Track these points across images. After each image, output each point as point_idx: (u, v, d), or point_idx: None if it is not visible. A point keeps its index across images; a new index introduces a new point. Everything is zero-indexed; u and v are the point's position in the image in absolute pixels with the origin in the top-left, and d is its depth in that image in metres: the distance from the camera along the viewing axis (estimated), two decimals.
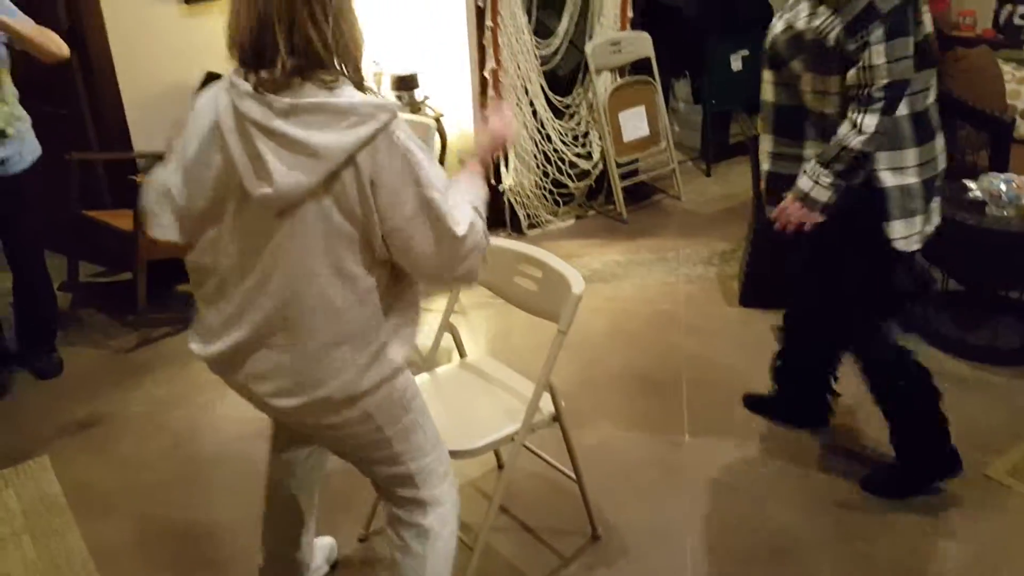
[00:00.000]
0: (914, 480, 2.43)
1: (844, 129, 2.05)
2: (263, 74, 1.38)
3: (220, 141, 1.44)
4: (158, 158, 3.83)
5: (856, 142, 2.03)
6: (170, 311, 3.59)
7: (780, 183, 2.25)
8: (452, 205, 1.49)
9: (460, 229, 1.48)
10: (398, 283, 1.58)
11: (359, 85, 1.45)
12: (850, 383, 2.59)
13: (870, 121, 2.01)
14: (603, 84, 4.31)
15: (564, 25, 4.16)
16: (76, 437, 2.86)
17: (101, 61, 3.65)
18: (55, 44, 2.87)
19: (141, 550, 2.39)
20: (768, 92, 2.27)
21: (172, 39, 3.78)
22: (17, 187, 2.93)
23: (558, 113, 4.26)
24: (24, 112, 2.96)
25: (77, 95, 3.75)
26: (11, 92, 2.90)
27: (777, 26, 2.19)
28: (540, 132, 4.19)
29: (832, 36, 2.02)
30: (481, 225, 1.56)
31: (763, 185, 2.38)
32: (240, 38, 1.41)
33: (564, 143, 4.28)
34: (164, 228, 1.59)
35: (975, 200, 2.99)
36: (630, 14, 4.36)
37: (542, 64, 4.13)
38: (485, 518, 2.14)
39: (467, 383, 2.25)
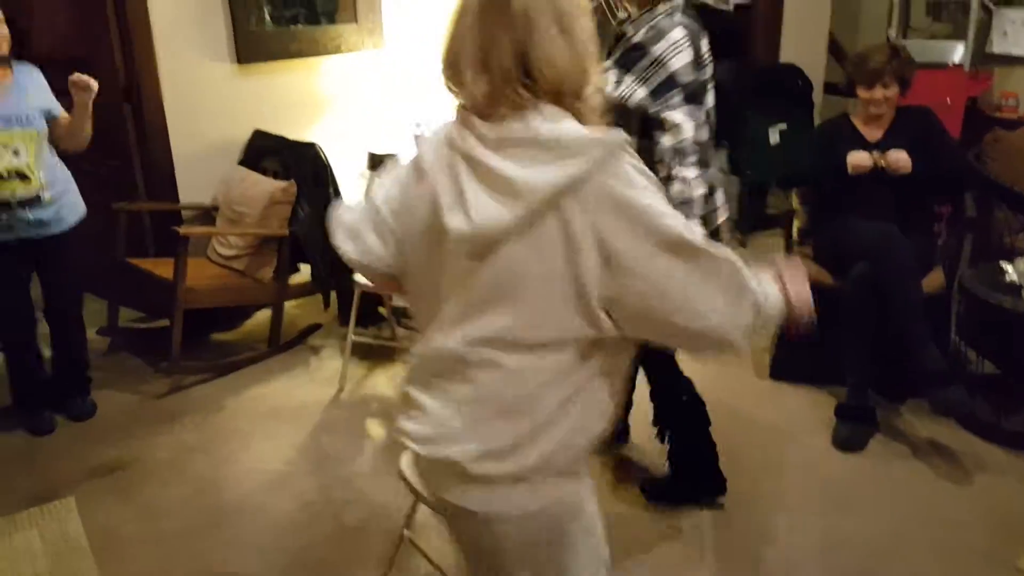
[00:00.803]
0: (685, 492, 2.67)
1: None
2: (491, 108, 1.26)
3: (428, 174, 1.33)
4: (203, 210, 3.99)
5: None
6: (203, 359, 3.65)
7: None
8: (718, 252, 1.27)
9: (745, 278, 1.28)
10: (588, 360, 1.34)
11: (584, 117, 1.28)
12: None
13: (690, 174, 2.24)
14: None
15: None
16: (103, 480, 2.89)
17: (154, 116, 3.80)
18: (88, 132, 3.02)
19: None
20: None
21: (223, 97, 3.92)
22: (59, 247, 3.03)
23: None
24: (65, 174, 3.04)
25: (129, 148, 3.90)
26: (47, 159, 2.97)
27: None
28: None
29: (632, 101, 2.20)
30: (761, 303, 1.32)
31: None
32: (457, 63, 1.29)
33: None
34: (368, 251, 1.45)
35: (1012, 283, 2.95)
36: None
37: None
38: None
39: None
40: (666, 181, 2.23)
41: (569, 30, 1.25)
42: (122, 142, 3.89)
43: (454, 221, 1.26)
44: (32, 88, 2.94)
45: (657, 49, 2.19)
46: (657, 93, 2.20)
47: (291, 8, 4.00)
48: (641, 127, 2.24)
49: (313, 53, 4.07)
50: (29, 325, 3.15)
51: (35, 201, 2.91)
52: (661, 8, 2.24)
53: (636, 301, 1.25)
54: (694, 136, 2.23)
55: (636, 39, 2.23)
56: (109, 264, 3.68)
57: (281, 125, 4.00)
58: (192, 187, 3.93)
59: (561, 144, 1.21)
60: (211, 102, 3.91)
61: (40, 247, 2.99)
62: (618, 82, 2.23)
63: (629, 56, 2.23)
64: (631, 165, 1.24)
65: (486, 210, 1.23)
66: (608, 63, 2.25)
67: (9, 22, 2.87)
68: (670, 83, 2.19)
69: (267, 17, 3.91)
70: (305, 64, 4.07)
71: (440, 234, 1.30)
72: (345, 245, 1.47)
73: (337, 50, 4.12)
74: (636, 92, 2.20)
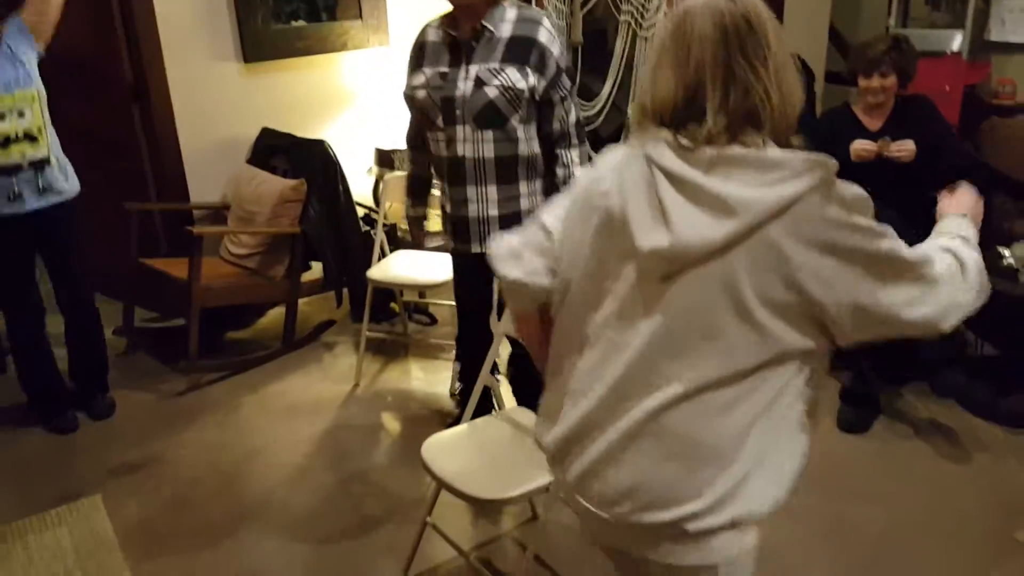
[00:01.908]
0: None
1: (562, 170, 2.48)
2: (689, 130, 1.23)
3: (611, 195, 1.29)
4: (214, 209, 4.04)
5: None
6: (218, 358, 3.72)
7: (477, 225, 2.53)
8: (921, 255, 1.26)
9: (932, 267, 1.26)
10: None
11: (786, 147, 1.25)
12: None
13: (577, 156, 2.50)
14: None
15: (607, 88, 4.29)
16: (127, 478, 2.96)
17: (163, 116, 3.85)
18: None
19: None
20: (477, 148, 2.43)
21: (231, 96, 3.98)
22: (66, 215, 3.04)
23: None
24: (58, 142, 3.05)
25: (139, 148, 3.95)
26: (49, 125, 2.99)
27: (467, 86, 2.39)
28: None
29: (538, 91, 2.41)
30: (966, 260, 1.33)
31: (451, 228, 2.61)
32: (664, 105, 1.26)
33: None
34: (534, 271, 1.43)
35: (1009, 267, 3.02)
36: None
37: (585, 124, 4.25)
38: (520, 569, 2.18)
39: (504, 434, 2.32)
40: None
41: (783, 65, 1.26)
42: (131, 143, 3.94)
43: (651, 238, 1.22)
44: (21, 46, 2.91)
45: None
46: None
47: (291, 3, 4.04)
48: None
49: (319, 51, 4.12)
50: (38, 313, 3.15)
51: (45, 163, 2.93)
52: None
53: (852, 313, 1.21)
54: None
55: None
56: (123, 265, 3.74)
57: (289, 123, 4.05)
58: (202, 186, 3.99)
59: (782, 165, 1.18)
60: (219, 101, 3.96)
61: (46, 219, 2.98)
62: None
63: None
64: (843, 186, 1.21)
65: (693, 227, 1.19)
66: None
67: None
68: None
69: (271, 15, 3.95)
70: (311, 62, 4.12)
71: (623, 257, 1.28)
72: (508, 269, 1.45)
73: (343, 47, 4.18)
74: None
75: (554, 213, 1.44)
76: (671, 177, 1.22)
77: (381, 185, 3.80)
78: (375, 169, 4.27)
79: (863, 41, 3.31)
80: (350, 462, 3.01)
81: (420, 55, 2.50)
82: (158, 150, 3.91)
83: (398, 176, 3.58)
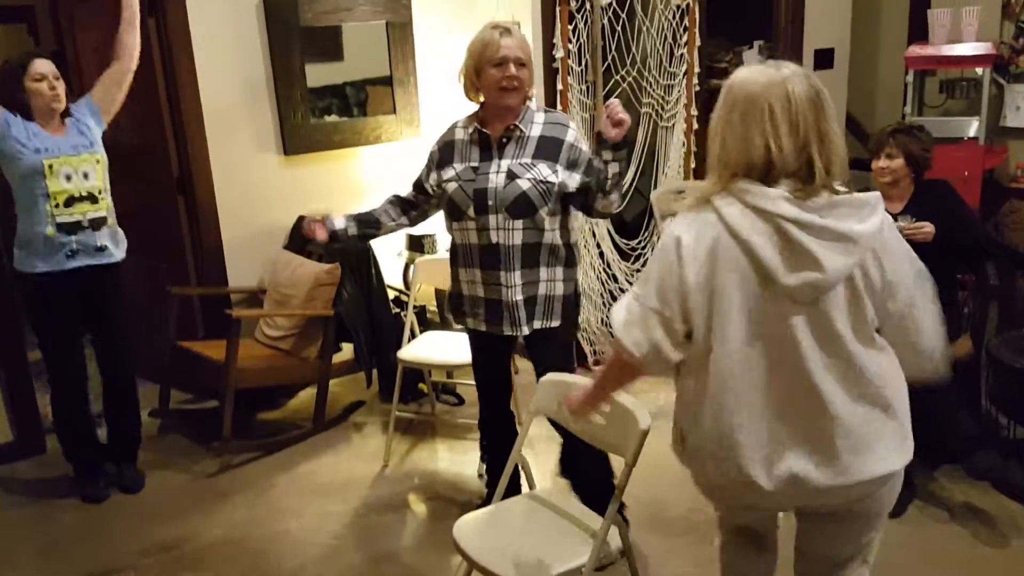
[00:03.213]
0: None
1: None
2: (797, 184, 1.62)
3: (735, 247, 1.63)
4: (250, 293, 4.14)
5: None
6: (250, 438, 3.77)
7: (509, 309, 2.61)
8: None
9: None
10: None
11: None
12: None
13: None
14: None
15: (630, 174, 4.42)
16: (159, 557, 2.99)
17: (206, 206, 4.01)
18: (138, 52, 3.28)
19: None
20: (508, 236, 2.54)
21: (270, 185, 4.15)
22: (114, 277, 3.23)
23: (624, 255, 4.47)
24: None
25: (181, 236, 4.10)
26: (108, 190, 3.22)
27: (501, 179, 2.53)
28: (607, 272, 4.38)
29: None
30: None
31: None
32: (759, 163, 1.63)
33: (630, 283, 4.46)
34: (658, 348, 1.70)
35: None
36: (693, 165, 4.61)
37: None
38: None
39: (536, 514, 2.33)
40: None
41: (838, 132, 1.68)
42: (175, 230, 4.09)
43: (798, 276, 1.60)
44: (87, 119, 3.18)
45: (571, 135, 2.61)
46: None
47: (324, 100, 4.25)
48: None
49: (354, 144, 4.31)
50: (81, 379, 3.31)
51: (102, 223, 3.15)
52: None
53: (900, 308, 1.70)
54: None
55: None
56: (160, 348, 3.84)
57: (324, 211, 4.18)
58: (240, 271, 4.12)
59: (868, 204, 1.64)
60: (259, 191, 4.13)
61: (96, 280, 3.17)
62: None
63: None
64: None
65: (835, 260, 1.60)
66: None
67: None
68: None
69: (309, 111, 4.15)
70: (347, 154, 4.30)
71: (766, 293, 1.63)
72: (635, 348, 1.71)
73: (377, 140, 4.36)
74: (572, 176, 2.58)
75: (655, 287, 1.69)
76: (799, 224, 1.59)
77: (411, 268, 3.91)
78: (406, 253, 4.39)
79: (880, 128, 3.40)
80: (379, 543, 3.02)
81: (449, 151, 2.67)
82: (200, 237, 4.06)
83: (428, 260, 3.69)
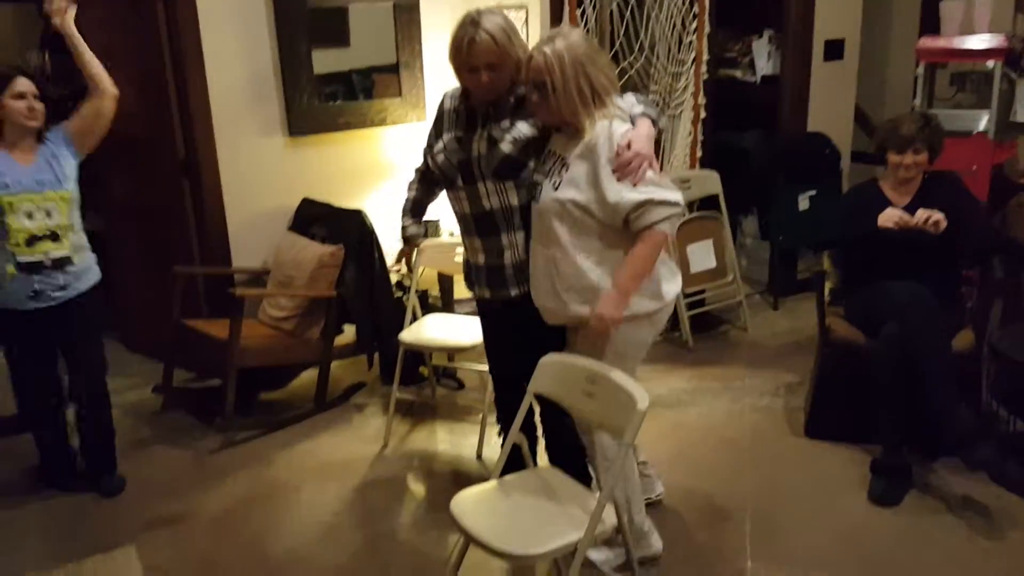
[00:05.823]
0: None
1: None
2: None
3: None
4: (255, 274, 4.15)
5: None
6: (252, 417, 3.79)
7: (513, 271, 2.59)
8: None
9: None
10: None
11: None
12: None
13: None
14: None
15: None
16: (161, 531, 3.01)
17: (211, 188, 4.02)
18: (108, 79, 3.07)
19: None
20: (503, 199, 2.55)
21: (275, 168, 4.15)
22: (73, 313, 3.06)
23: None
24: (85, 242, 3.12)
25: (186, 218, 4.11)
26: (79, 223, 3.07)
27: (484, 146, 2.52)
28: None
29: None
30: None
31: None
32: None
33: None
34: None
35: None
36: (699, 154, 4.60)
37: None
38: None
39: (533, 491, 2.34)
40: None
41: None
42: (180, 213, 4.10)
43: None
44: (61, 149, 3.00)
45: None
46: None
47: (331, 86, 4.25)
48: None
49: (359, 126, 4.30)
50: (54, 401, 3.23)
51: (66, 262, 2.99)
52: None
53: None
54: None
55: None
56: (165, 326, 3.85)
57: (328, 193, 4.20)
58: (244, 252, 4.14)
59: None
60: (264, 173, 4.13)
61: (62, 313, 3.02)
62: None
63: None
64: None
65: None
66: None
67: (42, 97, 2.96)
68: None
69: (315, 95, 4.15)
70: (352, 136, 4.30)
71: None
72: (671, 231, 2.39)
73: (382, 123, 4.35)
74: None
75: None
76: None
77: (415, 252, 3.90)
78: None
79: (892, 118, 3.38)
80: (378, 521, 3.04)
81: (440, 124, 2.69)
82: (204, 219, 4.07)
83: (432, 244, 3.69)
